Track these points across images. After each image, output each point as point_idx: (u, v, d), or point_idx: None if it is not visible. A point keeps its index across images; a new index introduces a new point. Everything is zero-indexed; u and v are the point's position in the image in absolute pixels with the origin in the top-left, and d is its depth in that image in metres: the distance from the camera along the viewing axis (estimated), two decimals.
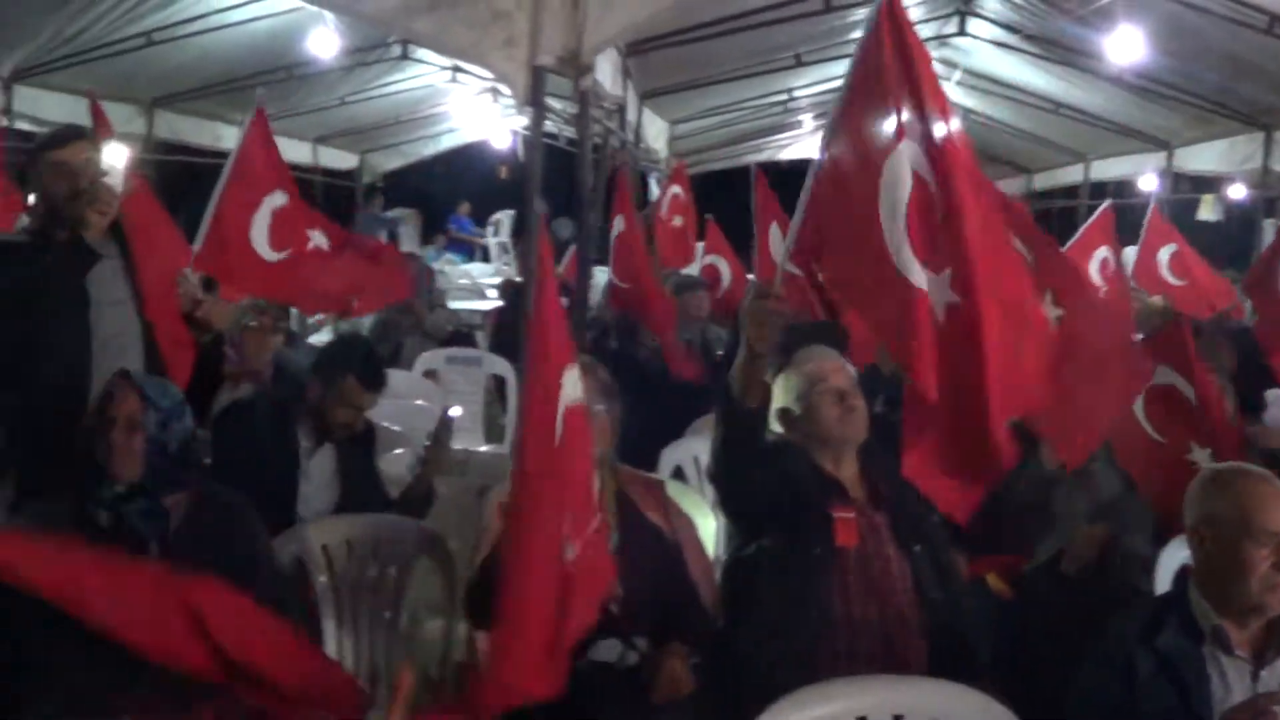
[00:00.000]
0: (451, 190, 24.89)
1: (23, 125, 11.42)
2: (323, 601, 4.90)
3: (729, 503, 4.72)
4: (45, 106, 11.63)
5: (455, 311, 13.37)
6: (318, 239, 7.99)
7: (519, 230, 25.75)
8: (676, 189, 13.74)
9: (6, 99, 11.45)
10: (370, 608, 5.01)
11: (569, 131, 12.09)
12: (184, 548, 4.10)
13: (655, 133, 15.28)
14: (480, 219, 25.50)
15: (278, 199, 7.74)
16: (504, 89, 15.38)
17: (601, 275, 10.72)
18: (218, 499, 4.39)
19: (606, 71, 8.39)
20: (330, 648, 4.83)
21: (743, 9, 11.30)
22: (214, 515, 4.30)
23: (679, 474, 6.54)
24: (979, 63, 16.01)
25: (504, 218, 23.78)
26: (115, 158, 4.84)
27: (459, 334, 11.46)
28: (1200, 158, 15.38)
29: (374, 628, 5.00)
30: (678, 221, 13.41)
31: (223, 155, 15.48)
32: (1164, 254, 12.14)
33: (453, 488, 6.15)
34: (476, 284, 18.08)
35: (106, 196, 5.01)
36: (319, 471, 5.56)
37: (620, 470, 4.77)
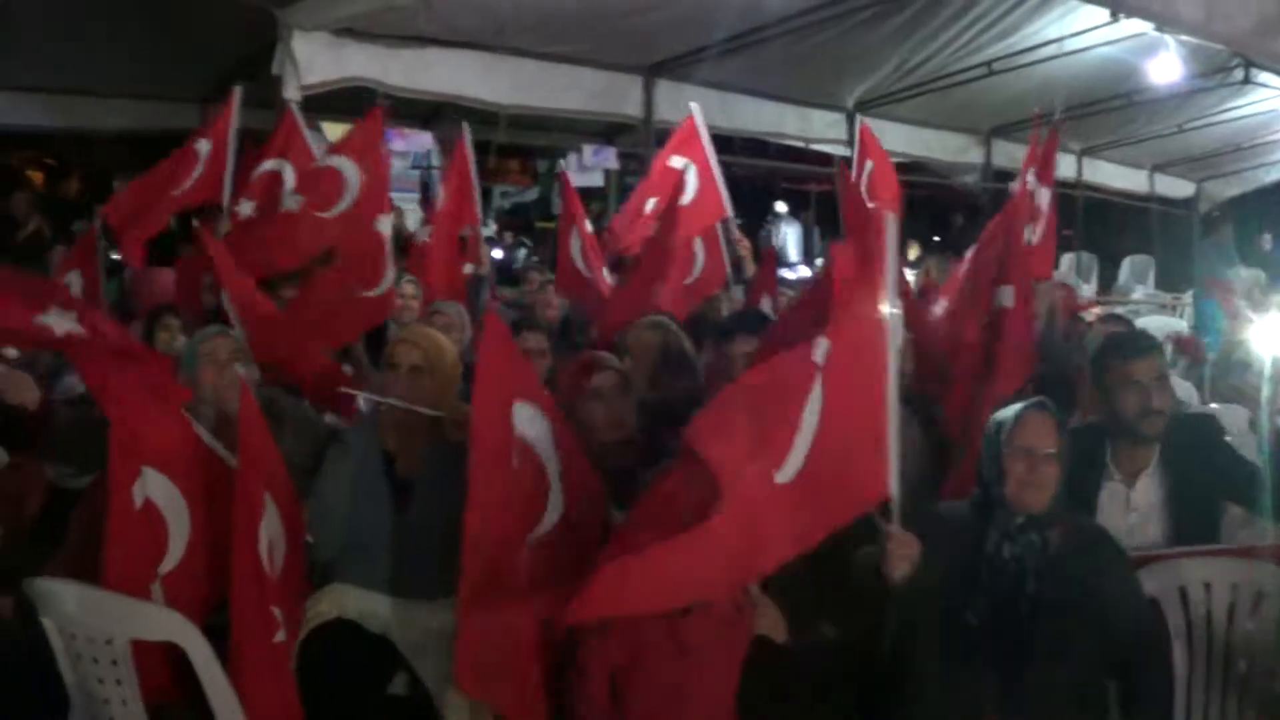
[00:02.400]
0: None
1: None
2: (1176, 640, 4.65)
3: None
4: (887, 137, 12.03)
5: None
6: None
7: None
8: None
9: (850, 129, 11.94)
10: (1225, 657, 4.69)
11: None
12: (1054, 578, 4.12)
13: None
14: None
15: None
16: None
17: None
18: (1085, 530, 4.35)
19: None
20: (1179, 695, 4.59)
21: None
22: (1080, 546, 4.25)
23: None
24: None
25: None
26: None
27: None
28: None
29: (1226, 679, 4.68)
30: None
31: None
32: None
33: None
34: None
35: None
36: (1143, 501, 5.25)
37: None
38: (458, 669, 4.05)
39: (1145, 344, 5.13)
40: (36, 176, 14.67)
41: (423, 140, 11.23)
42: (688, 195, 7.67)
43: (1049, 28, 10.75)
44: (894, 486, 3.88)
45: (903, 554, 3.94)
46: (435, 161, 13.38)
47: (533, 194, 20.99)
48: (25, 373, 5.79)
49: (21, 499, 5.62)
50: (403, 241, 8.64)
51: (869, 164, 8.76)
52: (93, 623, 4.37)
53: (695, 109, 8.04)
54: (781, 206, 19.85)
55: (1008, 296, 5.73)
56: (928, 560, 3.98)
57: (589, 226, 8.19)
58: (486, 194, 13.45)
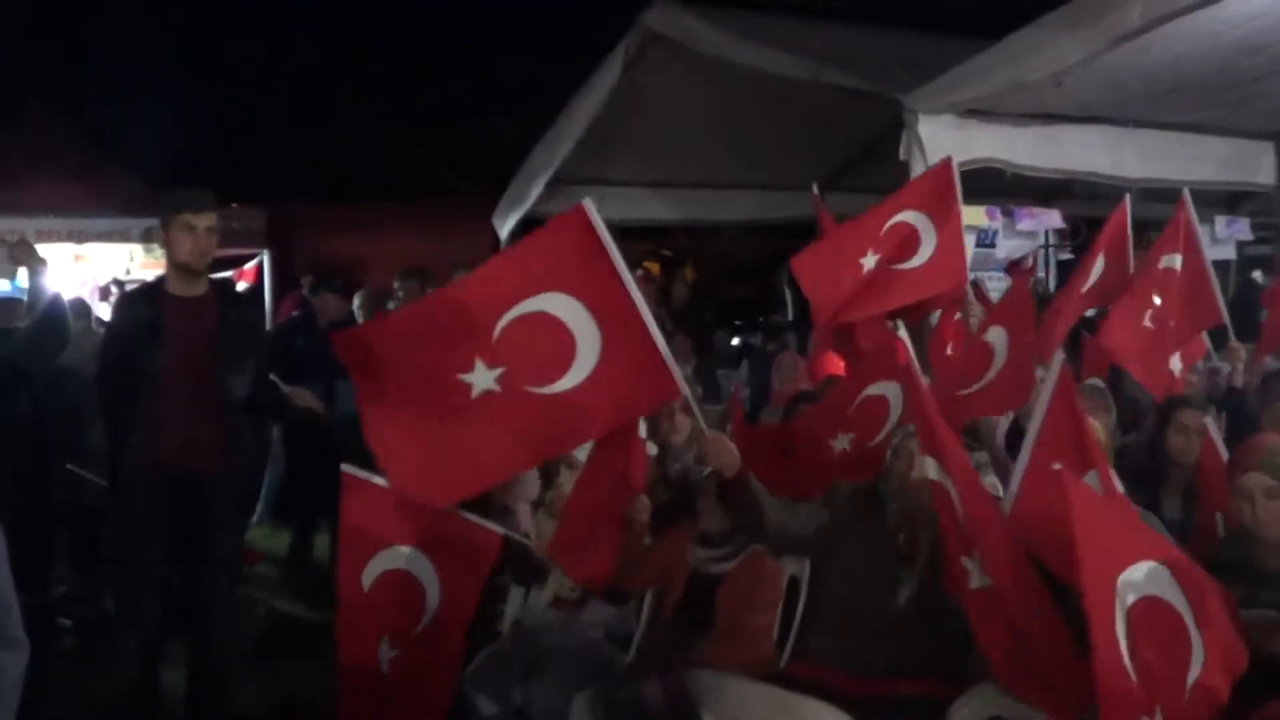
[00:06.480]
0: None
1: None
2: None
3: None
4: None
5: None
6: None
7: None
8: None
9: None
10: None
11: None
12: None
13: None
14: None
15: None
16: None
17: None
18: None
19: None
20: None
21: None
22: None
23: None
24: None
25: None
26: None
27: None
28: None
29: None
30: None
31: None
32: None
33: None
34: None
35: None
36: None
37: None
38: None
39: None
40: (653, 267, 15.38)
41: (1051, 218, 10.94)
42: None
43: None
44: None
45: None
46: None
47: None
48: None
49: (668, 580, 5.78)
50: None
51: None
52: (752, 717, 4.45)
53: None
54: None
55: None
56: None
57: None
58: None
